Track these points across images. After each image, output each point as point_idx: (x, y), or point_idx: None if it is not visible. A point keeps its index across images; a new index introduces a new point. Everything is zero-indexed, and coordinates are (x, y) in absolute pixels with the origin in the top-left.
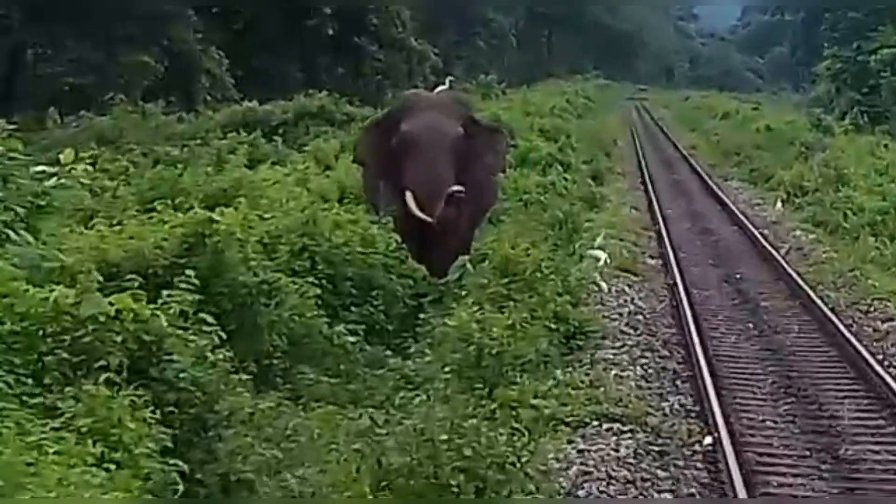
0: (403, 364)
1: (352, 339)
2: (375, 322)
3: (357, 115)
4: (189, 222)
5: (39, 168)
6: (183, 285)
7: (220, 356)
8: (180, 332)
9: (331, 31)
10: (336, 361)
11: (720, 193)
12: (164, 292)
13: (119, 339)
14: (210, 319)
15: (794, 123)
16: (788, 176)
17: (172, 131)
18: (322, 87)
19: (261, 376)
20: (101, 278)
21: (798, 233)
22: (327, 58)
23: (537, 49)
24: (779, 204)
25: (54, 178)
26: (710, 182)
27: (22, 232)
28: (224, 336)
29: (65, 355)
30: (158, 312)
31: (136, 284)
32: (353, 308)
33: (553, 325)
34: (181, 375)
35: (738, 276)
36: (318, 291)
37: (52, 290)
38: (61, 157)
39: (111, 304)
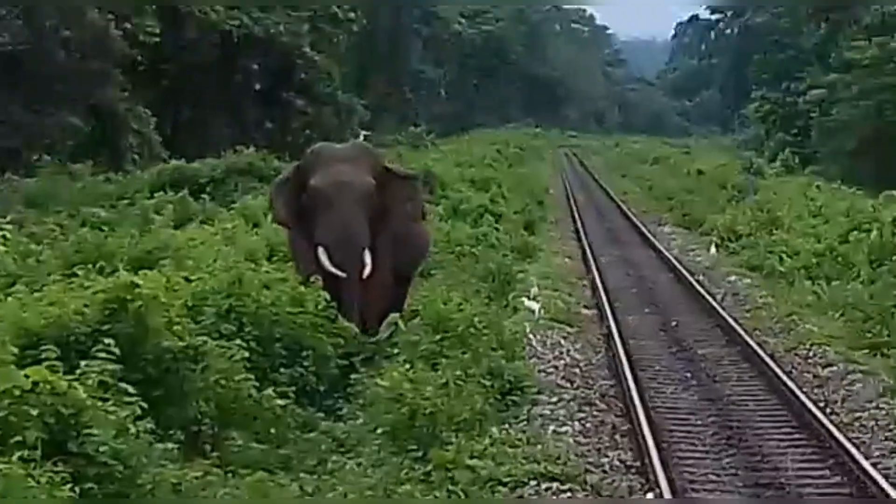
0: (335, 426)
1: (281, 402)
2: (306, 383)
3: (286, 170)
4: (111, 287)
5: None
6: (102, 354)
7: (143, 426)
8: (100, 403)
9: (258, 86)
10: (266, 425)
11: (654, 240)
12: (83, 362)
13: (35, 412)
14: (131, 389)
15: (725, 167)
16: (722, 220)
17: (100, 192)
18: (252, 142)
19: (188, 444)
20: (16, 349)
21: (733, 278)
22: (256, 112)
23: (467, 98)
24: (713, 249)
25: None
26: (643, 229)
27: None
28: (146, 405)
29: None
30: (76, 384)
31: (56, 354)
32: (282, 370)
33: (488, 382)
34: (101, 449)
35: (674, 323)
36: (247, 354)
37: None
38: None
39: (26, 376)
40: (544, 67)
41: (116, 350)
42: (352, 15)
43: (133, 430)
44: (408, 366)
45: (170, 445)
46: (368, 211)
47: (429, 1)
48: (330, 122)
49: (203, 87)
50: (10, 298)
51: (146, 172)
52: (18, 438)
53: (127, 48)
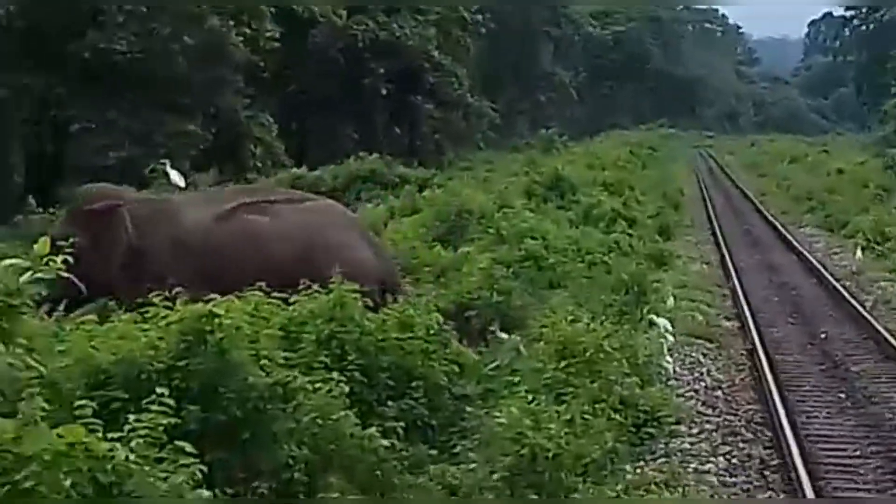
0: (446, 470)
1: (386, 442)
2: (416, 418)
3: (411, 177)
4: (187, 318)
5: (10, 261)
6: (155, 407)
7: (203, 493)
8: (148, 467)
9: (385, 91)
10: (369, 469)
11: (795, 243)
12: (132, 416)
13: (69, 482)
14: (189, 448)
15: (865, 164)
16: (867, 221)
17: None
18: (378, 148)
19: (279, 494)
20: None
21: (883, 283)
22: (383, 118)
23: (599, 100)
24: (859, 252)
25: (28, 273)
26: (783, 231)
27: None
28: (205, 469)
29: None
30: (119, 445)
31: (93, 409)
32: (390, 403)
33: (620, 416)
34: None
35: (822, 335)
36: (348, 388)
37: None
38: (35, 247)
39: (60, 436)
40: (677, 67)
41: (170, 401)
42: (479, 17)
43: (189, 497)
44: (530, 397)
45: None
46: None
47: (559, 1)
48: (459, 126)
49: (329, 94)
50: (78, 330)
51: (268, 182)
52: None
53: (248, 54)
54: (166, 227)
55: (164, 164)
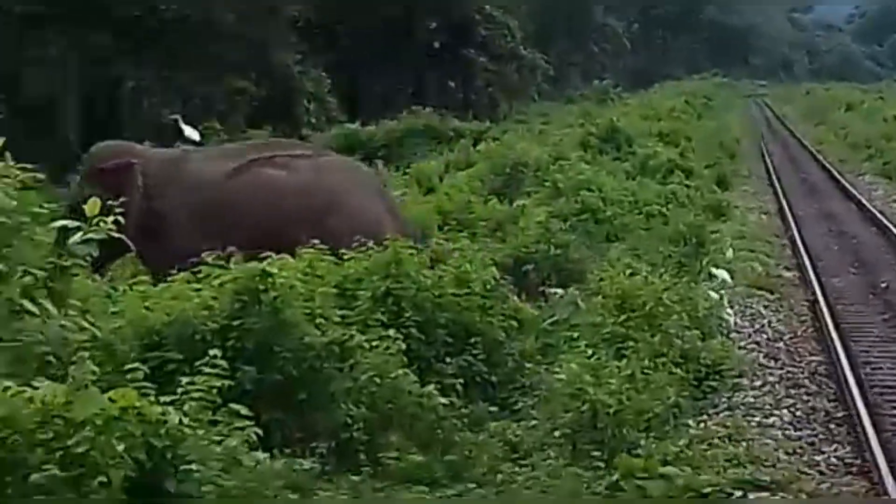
0: (507, 427)
1: (445, 399)
2: (475, 375)
3: (465, 131)
4: (241, 277)
5: (60, 223)
6: (208, 369)
7: (259, 456)
8: (202, 431)
9: (438, 45)
10: (428, 428)
11: (853, 191)
12: (184, 379)
13: (122, 446)
14: (243, 410)
15: None
16: None
17: None
18: (432, 102)
19: (338, 454)
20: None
21: None
22: (437, 72)
23: (652, 51)
24: None
25: (79, 233)
26: (841, 179)
27: (42, 300)
28: (283, 415)
29: (56, 471)
30: (171, 409)
31: (145, 373)
32: (448, 360)
33: (681, 370)
34: (205, 488)
35: (884, 284)
36: (405, 345)
37: (36, 387)
38: (85, 207)
39: (112, 400)
40: (730, 16)
41: (223, 363)
42: None
43: (247, 461)
44: (590, 352)
45: (306, 465)
46: None
47: None
48: (512, 79)
49: (382, 48)
50: (131, 290)
51: (321, 137)
52: (102, 479)
53: (300, 10)
54: (180, 181)
55: (177, 118)
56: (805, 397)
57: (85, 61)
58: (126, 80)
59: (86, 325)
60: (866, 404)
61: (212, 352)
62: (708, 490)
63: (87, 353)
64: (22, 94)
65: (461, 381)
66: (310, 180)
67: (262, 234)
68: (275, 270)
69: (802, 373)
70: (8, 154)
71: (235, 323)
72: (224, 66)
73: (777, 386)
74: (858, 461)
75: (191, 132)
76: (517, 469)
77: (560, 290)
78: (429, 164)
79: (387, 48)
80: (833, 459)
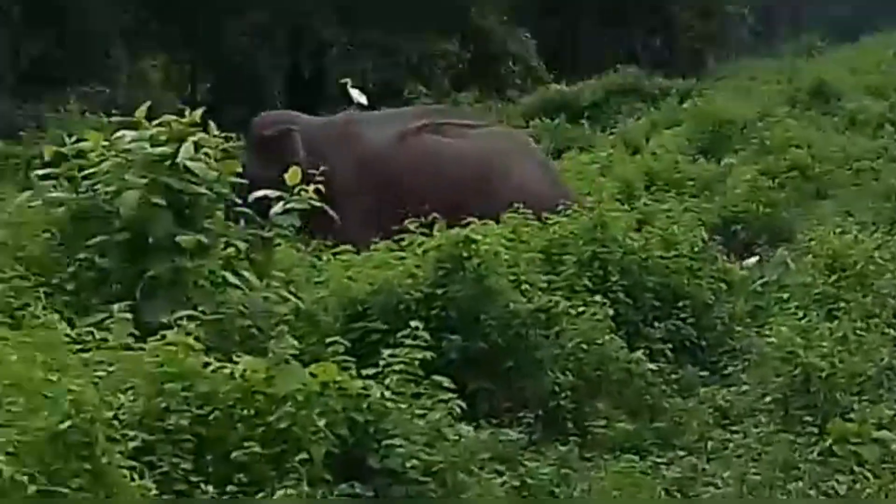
0: (716, 393)
1: (653, 365)
2: (684, 339)
3: (671, 89)
4: (444, 244)
5: (260, 192)
6: (410, 341)
7: (463, 429)
8: (405, 405)
9: (642, 1)
10: (637, 394)
11: None
12: (386, 352)
13: (323, 422)
14: (446, 383)
15: None
16: None
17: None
18: (637, 60)
19: (545, 423)
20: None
21: None
22: (641, 29)
23: (860, 2)
24: None
25: (280, 204)
26: None
27: (244, 272)
28: (464, 406)
29: (257, 448)
30: (373, 383)
31: (345, 348)
32: (656, 324)
33: (894, 330)
34: (409, 464)
35: None
36: (612, 310)
37: (237, 362)
38: (286, 176)
39: (313, 375)
40: None
41: (425, 335)
42: None
43: (451, 434)
44: (800, 314)
45: (513, 435)
46: None
47: None
48: (718, 35)
49: (586, 8)
50: (333, 259)
51: (526, 99)
52: (304, 456)
53: None
54: (344, 147)
55: (346, 82)
56: None
57: (289, 26)
58: (330, 45)
59: (288, 296)
60: None
61: (413, 323)
62: None
63: (286, 327)
64: (227, 62)
65: (669, 345)
66: (474, 147)
67: (428, 199)
68: (479, 237)
69: None
70: (211, 123)
71: (439, 291)
72: (427, 28)
73: None
74: None
75: (358, 96)
76: (727, 436)
77: (752, 260)
78: (635, 123)
79: (592, 8)
80: None
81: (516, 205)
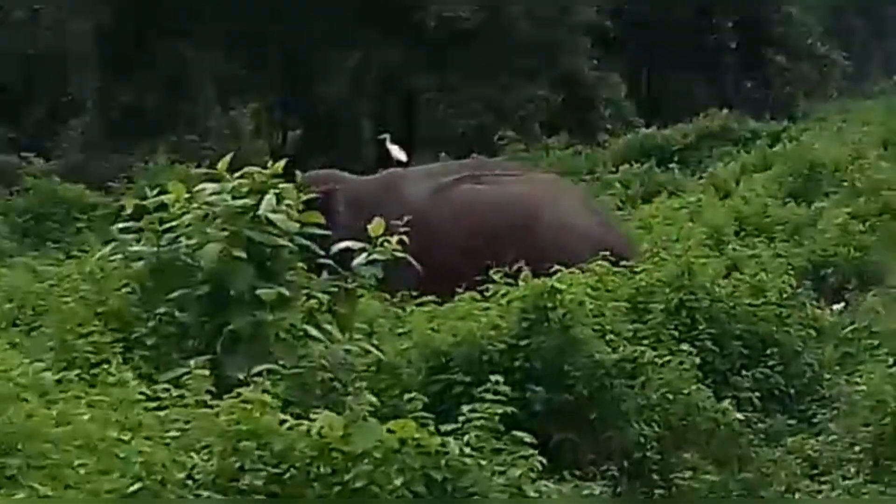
0: (805, 442)
1: (740, 415)
2: (772, 387)
3: (762, 132)
4: (528, 295)
5: (343, 244)
6: (490, 396)
7: (544, 486)
8: (485, 461)
9: (734, 45)
10: (723, 444)
11: None
12: (465, 408)
13: (400, 480)
14: (527, 438)
15: None
16: None
17: (568, 166)
18: (729, 103)
19: (630, 474)
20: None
21: None
22: (733, 72)
23: None
24: None
25: (363, 255)
26: None
27: (326, 325)
28: (545, 461)
29: None
30: (451, 439)
31: (423, 403)
32: (743, 372)
33: None
34: None
35: None
36: (699, 359)
37: (313, 419)
38: (370, 227)
39: (391, 431)
40: None
41: (505, 389)
42: None
43: (531, 491)
44: (891, 360)
45: (597, 489)
46: None
47: None
48: (810, 77)
49: (677, 50)
50: (417, 311)
51: (617, 143)
52: None
53: (594, 14)
54: (385, 204)
55: (385, 138)
56: None
57: (379, 74)
58: (420, 92)
59: (370, 348)
60: None
61: (494, 377)
62: None
63: (365, 382)
64: (317, 109)
65: (757, 394)
66: (513, 195)
67: (468, 251)
68: (563, 286)
69: None
70: (298, 173)
71: (523, 343)
72: (519, 74)
73: None
74: None
75: (397, 152)
76: (816, 486)
77: (837, 307)
78: (726, 167)
79: (683, 50)
80: None
81: (563, 250)
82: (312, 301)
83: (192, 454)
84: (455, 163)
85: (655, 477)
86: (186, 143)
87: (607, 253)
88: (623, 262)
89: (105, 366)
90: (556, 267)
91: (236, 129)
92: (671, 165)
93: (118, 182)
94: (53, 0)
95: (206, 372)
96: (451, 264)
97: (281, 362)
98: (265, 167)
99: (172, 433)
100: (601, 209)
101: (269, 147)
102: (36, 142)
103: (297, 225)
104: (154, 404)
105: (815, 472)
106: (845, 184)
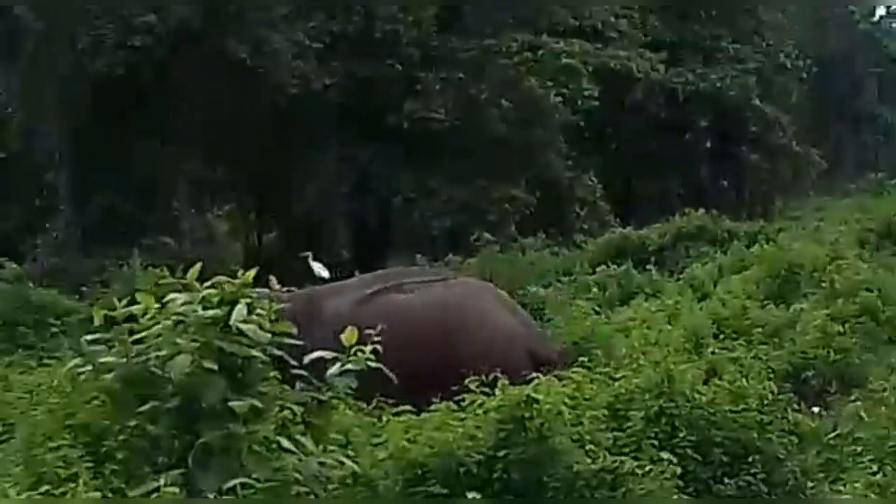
0: None
1: None
2: (754, 495)
3: (739, 232)
4: (504, 405)
5: (315, 354)
6: None
7: None
8: None
9: (709, 144)
10: None
11: None
12: None
13: None
14: None
15: None
16: None
17: (544, 267)
18: (704, 203)
19: None
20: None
21: None
22: (708, 172)
23: None
24: None
25: (336, 365)
26: None
27: (299, 437)
28: None
29: None
30: None
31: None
32: (725, 480)
33: None
34: None
35: None
36: (680, 468)
37: None
38: (342, 337)
39: None
40: None
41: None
42: (800, 63)
43: None
44: (875, 468)
45: None
46: None
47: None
48: (786, 176)
49: (651, 150)
50: (392, 421)
51: (593, 244)
52: None
53: (568, 114)
54: (312, 320)
55: (307, 255)
56: None
57: (353, 176)
58: (395, 194)
59: (345, 461)
60: None
61: (470, 495)
62: None
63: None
64: (294, 210)
65: (740, 502)
66: (437, 303)
67: (393, 359)
68: (540, 396)
69: None
70: (272, 278)
71: (500, 453)
72: (493, 174)
73: None
74: None
75: (319, 269)
76: None
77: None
78: (703, 267)
79: (656, 150)
80: None
81: (490, 358)
82: (286, 412)
83: None
84: (372, 274)
85: None
86: (161, 245)
87: (531, 352)
88: (547, 365)
89: (72, 485)
90: (492, 371)
91: (211, 231)
92: (648, 266)
93: (92, 286)
94: (26, 103)
95: (175, 489)
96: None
97: (254, 476)
98: (242, 270)
99: None
100: (520, 310)
101: (245, 249)
102: (8, 245)
103: (269, 335)
104: None
105: None
106: (824, 285)
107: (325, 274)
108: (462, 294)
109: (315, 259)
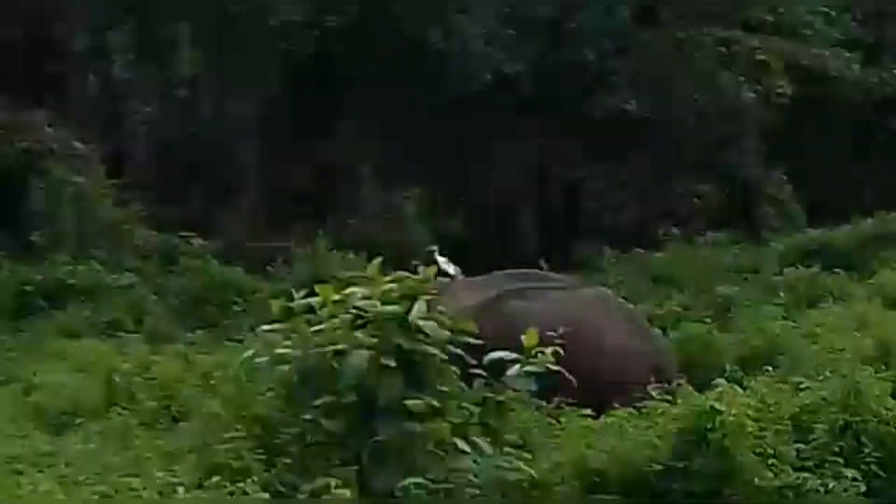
0: None
1: None
2: None
3: None
4: (686, 414)
5: (495, 354)
6: None
7: None
8: None
9: None
10: None
11: None
12: None
13: None
14: None
15: None
16: None
17: (731, 265)
18: None
19: None
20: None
21: None
22: None
23: None
24: None
25: (516, 366)
26: None
27: (476, 438)
28: None
29: None
30: None
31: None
32: None
33: None
34: None
35: None
36: (864, 486)
37: None
38: (523, 338)
39: None
40: None
41: None
42: None
43: None
44: None
45: None
46: None
47: None
48: None
49: (842, 151)
50: (573, 423)
51: (781, 243)
52: None
53: (761, 111)
54: None
55: (434, 250)
56: None
57: (542, 163)
58: (583, 182)
59: (521, 464)
60: None
61: None
62: None
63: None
64: (479, 198)
65: None
66: (557, 312)
67: None
68: (723, 407)
69: None
70: (452, 268)
71: (680, 465)
72: (683, 169)
73: None
74: None
75: (445, 264)
76: None
77: None
78: (893, 273)
79: (847, 150)
80: None
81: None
82: (463, 412)
83: None
84: (498, 275)
85: None
86: (346, 226)
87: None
88: (670, 384)
89: (241, 484)
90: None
91: (398, 213)
92: (836, 270)
93: (276, 266)
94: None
95: (347, 490)
96: None
97: (429, 476)
98: (426, 255)
99: None
100: (647, 326)
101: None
102: (196, 222)
103: (448, 333)
104: None
105: None
106: None
107: (452, 270)
108: (586, 305)
109: (503, 251)
